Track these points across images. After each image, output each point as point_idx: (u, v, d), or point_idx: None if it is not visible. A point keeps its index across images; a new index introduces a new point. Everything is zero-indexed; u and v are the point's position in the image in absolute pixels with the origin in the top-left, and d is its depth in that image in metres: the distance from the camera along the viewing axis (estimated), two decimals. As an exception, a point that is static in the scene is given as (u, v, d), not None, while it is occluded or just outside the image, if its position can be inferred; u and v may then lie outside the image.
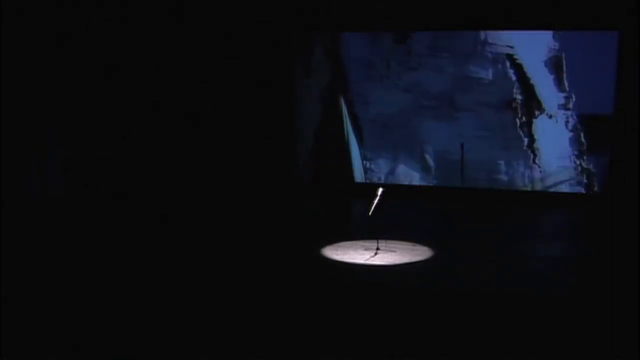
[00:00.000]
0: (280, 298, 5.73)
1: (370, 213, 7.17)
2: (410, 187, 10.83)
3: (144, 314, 5.42)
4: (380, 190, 7.29)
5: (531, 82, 10.35)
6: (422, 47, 10.74)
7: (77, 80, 9.63)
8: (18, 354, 4.81)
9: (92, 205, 9.43)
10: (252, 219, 9.23)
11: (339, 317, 5.28)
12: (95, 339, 5.02)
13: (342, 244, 7.63)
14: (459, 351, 4.83)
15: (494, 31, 10.37)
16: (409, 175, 10.95)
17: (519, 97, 10.40)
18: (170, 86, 10.49)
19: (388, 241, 7.40)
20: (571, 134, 10.27)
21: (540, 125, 10.40)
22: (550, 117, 10.32)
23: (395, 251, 7.28)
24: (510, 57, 10.39)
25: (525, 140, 10.46)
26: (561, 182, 10.35)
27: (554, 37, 10.15)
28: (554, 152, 10.35)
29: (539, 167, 10.44)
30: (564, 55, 10.13)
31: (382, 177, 11.03)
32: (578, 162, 10.26)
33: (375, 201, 7.22)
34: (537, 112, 10.37)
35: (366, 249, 7.32)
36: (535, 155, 10.44)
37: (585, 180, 10.25)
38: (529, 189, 10.48)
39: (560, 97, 10.25)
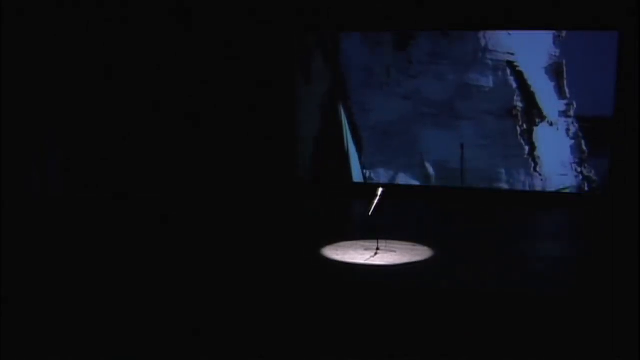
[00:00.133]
0: (280, 298, 5.73)
1: (370, 213, 7.17)
2: (410, 187, 10.83)
3: (144, 314, 5.42)
4: (380, 190, 7.29)
5: (532, 89, 10.33)
6: (422, 54, 10.70)
7: (77, 80, 9.63)
8: (18, 354, 4.80)
9: (92, 205, 9.42)
10: (252, 219, 9.23)
11: (339, 317, 5.28)
12: (95, 339, 5.02)
13: (342, 244, 7.63)
14: (459, 351, 4.83)
15: (494, 31, 10.34)
16: (409, 184, 10.93)
17: (519, 104, 10.37)
18: (170, 86, 10.49)
19: (388, 241, 7.39)
20: (572, 141, 10.23)
21: (541, 133, 10.36)
22: (551, 124, 10.29)
23: (395, 251, 7.28)
24: (510, 64, 10.36)
25: (526, 148, 10.42)
26: (562, 189, 10.32)
27: (554, 43, 10.11)
28: (555, 160, 10.32)
29: (540, 175, 10.41)
30: (564, 61, 10.10)
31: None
32: (579, 169, 10.24)
33: (375, 201, 7.22)
34: (537, 120, 10.34)
35: (366, 249, 7.32)
36: (536, 164, 10.41)
37: (586, 189, 10.24)
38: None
39: (561, 104, 10.22)
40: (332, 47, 11.10)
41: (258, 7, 10.46)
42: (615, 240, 7.88)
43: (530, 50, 10.28)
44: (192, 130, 10.68)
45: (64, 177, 9.67)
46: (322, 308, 5.47)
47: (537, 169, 10.43)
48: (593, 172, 10.18)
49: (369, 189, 9.01)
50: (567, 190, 10.29)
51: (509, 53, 10.37)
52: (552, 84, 10.22)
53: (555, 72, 10.19)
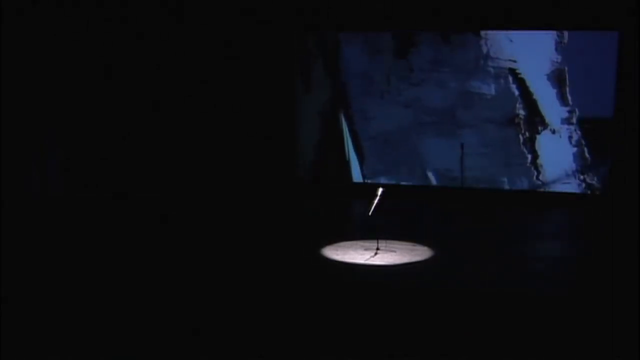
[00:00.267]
0: (280, 298, 5.73)
1: (370, 213, 7.17)
2: (410, 187, 10.82)
3: (144, 314, 5.42)
4: (380, 190, 7.29)
5: (534, 96, 10.26)
6: (424, 61, 10.63)
7: (77, 80, 9.63)
8: (18, 354, 4.80)
9: (92, 205, 9.42)
10: (252, 219, 9.23)
11: (339, 317, 5.28)
12: (95, 339, 5.02)
13: (342, 244, 7.63)
14: (459, 351, 4.83)
15: (495, 37, 10.27)
16: (409, 184, 10.88)
17: (521, 112, 10.30)
18: (170, 86, 10.49)
19: (388, 241, 7.40)
20: (575, 149, 10.16)
21: (544, 141, 10.30)
22: (554, 132, 10.23)
23: (395, 251, 7.28)
24: (512, 71, 10.29)
25: (529, 156, 10.37)
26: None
27: (556, 49, 10.04)
28: (557, 169, 10.26)
29: (543, 183, 10.38)
30: (566, 68, 10.03)
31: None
32: (582, 177, 10.20)
33: (375, 201, 7.22)
34: (540, 128, 10.27)
35: (366, 249, 7.32)
36: (538, 172, 10.36)
37: (587, 189, 10.21)
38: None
39: (563, 112, 10.16)
40: (333, 54, 11.03)
41: (258, 7, 10.45)
42: (615, 240, 7.88)
43: (532, 57, 10.19)
44: (191, 130, 10.68)
45: (64, 177, 9.67)
46: (322, 308, 5.47)
47: (540, 178, 10.37)
48: (596, 179, 10.12)
49: (369, 189, 9.01)
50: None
51: (510, 60, 10.30)
52: (555, 90, 10.16)
53: (557, 78, 10.12)
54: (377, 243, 7.28)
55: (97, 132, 9.92)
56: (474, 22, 10.10)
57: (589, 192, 10.17)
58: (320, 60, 11.13)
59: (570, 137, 10.17)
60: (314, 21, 10.70)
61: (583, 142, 10.11)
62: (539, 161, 10.36)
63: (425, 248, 7.48)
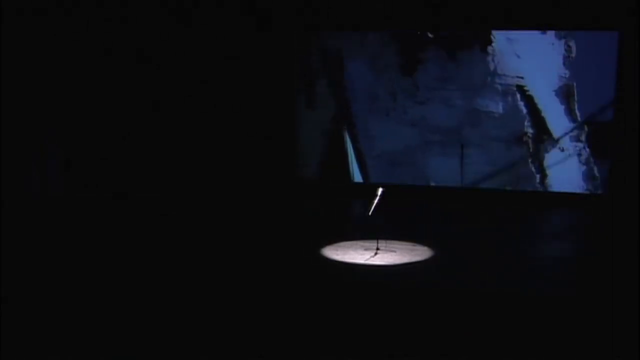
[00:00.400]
0: (280, 298, 5.73)
1: (370, 213, 7.17)
2: (410, 187, 10.80)
3: (144, 313, 5.42)
4: (380, 190, 7.29)
5: (542, 114, 10.14)
6: (430, 79, 10.52)
7: (77, 80, 9.63)
8: (18, 354, 4.80)
9: (92, 205, 9.43)
10: (252, 219, 9.23)
11: (339, 317, 5.27)
12: (95, 339, 5.02)
13: (342, 244, 7.63)
14: (459, 351, 4.83)
15: (502, 55, 10.19)
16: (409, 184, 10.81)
17: (530, 130, 10.19)
18: (170, 86, 10.49)
19: (388, 241, 7.39)
20: (584, 167, 10.08)
21: (553, 160, 10.21)
22: (562, 150, 10.14)
23: (395, 251, 7.28)
24: (520, 88, 10.19)
25: (537, 176, 10.29)
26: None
27: (564, 64, 9.95)
28: (567, 189, 10.17)
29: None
30: (574, 84, 9.96)
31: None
32: (589, 188, 10.10)
33: (375, 201, 7.22)
34: (548, 146, 10.18)
35: (366, 249, 7.32)
36: (547, 191, 10.25)
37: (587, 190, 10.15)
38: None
39: (572, 128, 10.06)
40: (337, 71, 10.94)
41: (258, 6, 10.45)
42: (615, 240, 7.88)
43: (540, 73, 10.08)
44: (191, 130, 10.68)
45: (64, 177, 9.67)
46: (322, 308, 5.47)
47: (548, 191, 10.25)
48: (598, 179, 10.09)
49: (369, 189, 9.00)
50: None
51: (518, 77, 10.19)
52: (563, 107, 10.04)
53: (565, 94, 10.01)
54: (377, 243, 7.28)
55: (97, 132, 9.92)
56: (474, 22, 10.08)
57: (589, 192, 10.14)
58: (324, 76, 11.02)
59: (579, 155, 10.06)
60: (314, 21, 10.69)
61: (592, 160, 9.94)
62: (547, 181, 10.27)
63: (425, 248, 7.47)
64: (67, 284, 6.11)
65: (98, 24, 9.67)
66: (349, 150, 11.09)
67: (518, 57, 10.21)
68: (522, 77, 10.21)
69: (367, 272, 6.66)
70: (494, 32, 10.27)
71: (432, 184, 10.71)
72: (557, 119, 10.14)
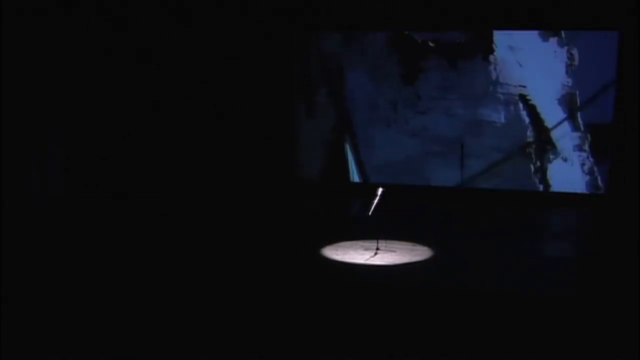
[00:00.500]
0: (280, 298, 5.73)
1: (370, 213, 7.17)
2: (410, 187, 10.79)
3: (144, 314, 5.42)
4: (380, 190, 7.29)
5: (545, 123, 10.07)
6: (431, 88, 10.45)
7: (77, 80, 9.63)
8: (18, 354, 4.80)
9: (92, 205, 9.43)
10: (252, 219, 9.23)
11: (339, 317, 5.27)
12: (95, 339, 5.02)
13: (342, 244, 7.63)
14: (459, 351, 4.83)
15: (505, 64, 10.15)
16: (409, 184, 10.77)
17: (532, 140, 10.13)
18: (170, 86, 10.49)
19: (388, 241, 7.39)
20: (588, 177, 10.01)
21: (556, 170, 10.14)
22: (565, 160, 10.07)
23: (395, 251, 7.28)
24: (523, 97, 10.12)
25: (540, 187, 10.24)
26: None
27: (566, 72, 9.89)
28: (567, 189, 10.10)
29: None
30: (577, 92, 9.90)
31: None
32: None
33: (375, 201, 7.22)
34: (552, 157, 10.11)
35: (366, 249, 7.32)
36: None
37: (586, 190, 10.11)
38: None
39: (575, 138, 10.00)
40: (337, 81, 10.91)
41: (259, 6, 10.45)
42: (616, 240, 7.87)
43: (542, 82, 10.01)
44: (192, 130, 10.68)
45: (64, 177, 9.68)
46: (322, 308, 5.47)
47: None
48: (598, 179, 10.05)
49: (368, 189, 9.00)
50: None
51: (520, 86, 10.12)
52: (566, 115, 9.98)
53: (568, 102, 9.94)
54: (377, 243, 7.28)
55: (97, 132, 9.92)
56: (474, 22, 10.07)
57: (588, 192, 10.14)
58: (324, 85, 10.99)
59: (582, 165, 9.99)
60: (314, 21, 10.69)
61: (596, 170, 9.87)
62: (550, 191, 10.22)
63: (425, 248, 7.47)
64: (67, 284, 6.10)
65: (98, 24, 9.67)
66: (349, 160, 11.04)
67: (520, 65, 10.13)
68: (524, 86, 10.12)
69: (367, 272, 6.66)
70: (495, 41, 10.18)
71: (432, 184, 10.69)
72: (560, 129, 10.07)
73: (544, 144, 10.15)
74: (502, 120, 10.24)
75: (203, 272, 6.55)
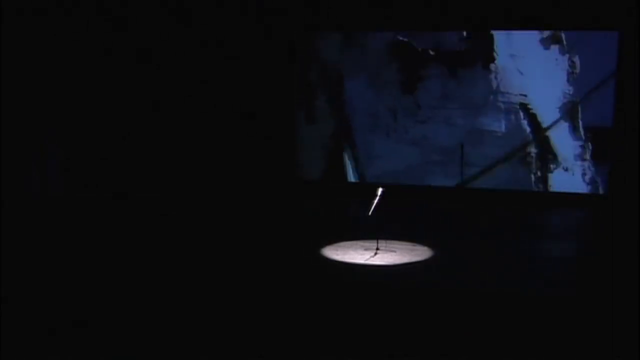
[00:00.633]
0: (280, 298, 5.73)
1: (370, 213, 7.17)
2: (410, 187, 10.79)
3: (144, 314, 5.42)
4: (380, 190, 7.29)
5: (546, 133, 10.00)
6: (431, 97, 10.41)
7: (77, 80, 9.63)
8: (18, 354, 4.80)
9: (92, 205, 9.43)
10: (252, 219, 9.23)
11: (339, 317, 5.27)
12: (95, 339, 5.02)
13: (342, 244, 7.63)
14: (459, 351, 4.83)
15: (505, 73, 10.11)
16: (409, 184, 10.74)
17: (533, 150, 10.07)
18: (170, 86, 10.49)
19: (388, 241, 7.39)
20: (589, 186, 9.99)
21: (557, 180, 10.09)
22: (567, 169, 10.02)
23: (395, 251, 7.28)
24: (524, 106, 10.05)
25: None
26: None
27: (568, 80, 9.84)
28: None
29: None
30: (579, 99, 9.84)
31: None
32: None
33: (375, 201, 7.22)
34: (552, 166, 10.05)
35: (366, 249, 7.32)
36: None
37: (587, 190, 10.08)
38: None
39: (576, 147, 9.96)
40: (336, 89, 10.88)
41: (259, 6, 10.46)
42: (615, 240, 7.87)
43: (544, 90, 9.95)
44: (192, 130, 10.68)
45: (64, 177, 9.68)
46: (322, 308, 5.47)
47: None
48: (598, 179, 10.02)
49: (368, 188, 8.99)
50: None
51: (521, 94, 10.05)
52: (567, 124, 9.91)
53: (569, 111, 9.88)
54: (377, 243, 7.28)
55: (97, 132, 9.92)
56: (474, 22, 10.07)
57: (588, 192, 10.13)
58: (323, 93, 10.96)
59: (583, 174, 9.95)
60: (314, 21, 10.69)
61: (597, 179, 9.83)
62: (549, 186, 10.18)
63: (425, 248, 7.47)
64: (67, 284, 6.10)
65: (98, 24, 9.67)
66: (348, 170, 11.02)
67: (521, 73, 10.08)
68: (525, 95, 10.07)
69: (367, 272, 6.66)
70: (496, 48, 10.14)
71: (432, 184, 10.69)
72: (560, 138, 10.02)
73: (545, 153, 10.10)
74: (503, 129, 10.17)
75: (203, 272, 6.55)
